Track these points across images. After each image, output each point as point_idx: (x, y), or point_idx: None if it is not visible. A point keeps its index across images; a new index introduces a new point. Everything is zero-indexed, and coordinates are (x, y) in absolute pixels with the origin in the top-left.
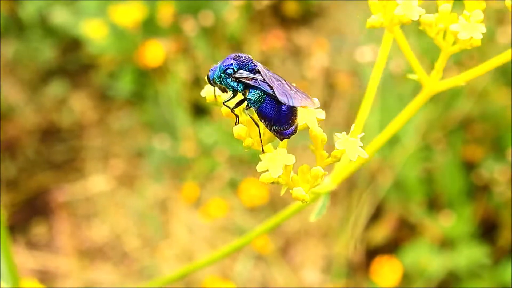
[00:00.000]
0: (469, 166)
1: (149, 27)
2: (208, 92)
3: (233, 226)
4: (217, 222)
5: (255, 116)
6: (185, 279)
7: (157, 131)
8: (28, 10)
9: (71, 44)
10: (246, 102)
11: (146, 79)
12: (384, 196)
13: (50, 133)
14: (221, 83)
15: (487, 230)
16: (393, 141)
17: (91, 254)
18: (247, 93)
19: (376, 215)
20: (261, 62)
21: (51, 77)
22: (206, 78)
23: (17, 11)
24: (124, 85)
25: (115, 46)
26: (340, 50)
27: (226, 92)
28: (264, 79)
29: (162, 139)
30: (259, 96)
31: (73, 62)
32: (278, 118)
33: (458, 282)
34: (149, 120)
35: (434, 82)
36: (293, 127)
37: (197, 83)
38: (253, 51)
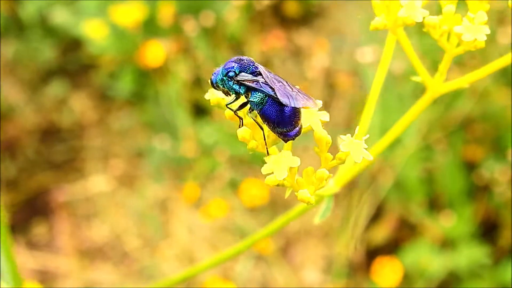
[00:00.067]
0: (470, 166)
1: (150, 27)
2: (212, 95)
3: (234, 226)
4: (218, 222)
5: (259, 119)
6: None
7: (157, 131)
8: (28, 10)
9: (71, 44)
10: (249, 105)
11: (147, 79)
12: (384, 196)
13: (50, 133)
14: (223, 86)
15: (487, 230)
16: (394, 141)
17: (91, 254)
18: (249, 95)
19: (377, 215)
20: (261, 63)
21: (51, 77)
22: (209, 81)
23: (17, 11)
24: (124, 85)
25: (115, 46)
26: (341, 50)
27: (229, 95)
28: (265, 81)
29: (162, 139)
30: (261, 98)
31: (73, 62)
32: (282, 119)
33: (459, 282)
34: (149, 120)
35: (438, 84)
36: (297, 128)
37: (197, 83)
38: (254, 51)
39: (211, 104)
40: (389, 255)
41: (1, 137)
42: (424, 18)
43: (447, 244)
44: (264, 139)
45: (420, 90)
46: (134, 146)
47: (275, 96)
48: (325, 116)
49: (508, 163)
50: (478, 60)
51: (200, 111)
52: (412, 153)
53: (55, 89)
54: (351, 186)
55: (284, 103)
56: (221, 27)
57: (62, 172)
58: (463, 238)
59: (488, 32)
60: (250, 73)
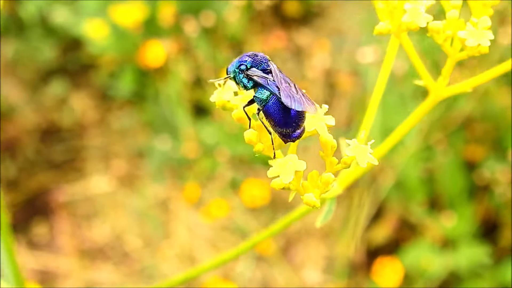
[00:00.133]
0: (470, 166)
1: (150, 27)
2: (218, 97)
3: (234, 226)
4: (218, 222)
5: (265, 121)
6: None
7: (158, 131)
8: (29, 10)
9: (72, 44)
10: (257, 107)
11: (147, 79)
12: (385, 196)
13: (50, 133)
14: (234, 78)
15: (488, 230)
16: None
17: (92, 254)
18: (256, 91)
19: (377, 215)
20: None
21: (52, 76)
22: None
23: (17, 11)
24: (125, 85)
25: (115, 46)
26: (341, 50)
27: (239, 86)
28: (274, 80)
29: (163, 139)
30: (266, 96)
31: (73, 62)
32: (284, 120)
33: (459, 282)
34: (150, 120)
35: (441, 88)
36: (299, 131)
37: (198, 83)
38: (254, 51)
39: (217, 107)
40: (390, 255)
41: (1, 137)
42: (427, 23)
43: (447, 244)
44: (272, 143)
45: (421, 91)
46: (135, 146)
47: (279, 95)
48: (331, 120)
49: (508, 163)
50: (477, 60)
51: (201, 111)
52: (413, 153)
53: (55, 88)
54: (351, 186)
55: (285, 103)
56: (221, 27)
57: (62, 172)
58: (463, 238)
59: (492, 37)
60: (261, 70)
